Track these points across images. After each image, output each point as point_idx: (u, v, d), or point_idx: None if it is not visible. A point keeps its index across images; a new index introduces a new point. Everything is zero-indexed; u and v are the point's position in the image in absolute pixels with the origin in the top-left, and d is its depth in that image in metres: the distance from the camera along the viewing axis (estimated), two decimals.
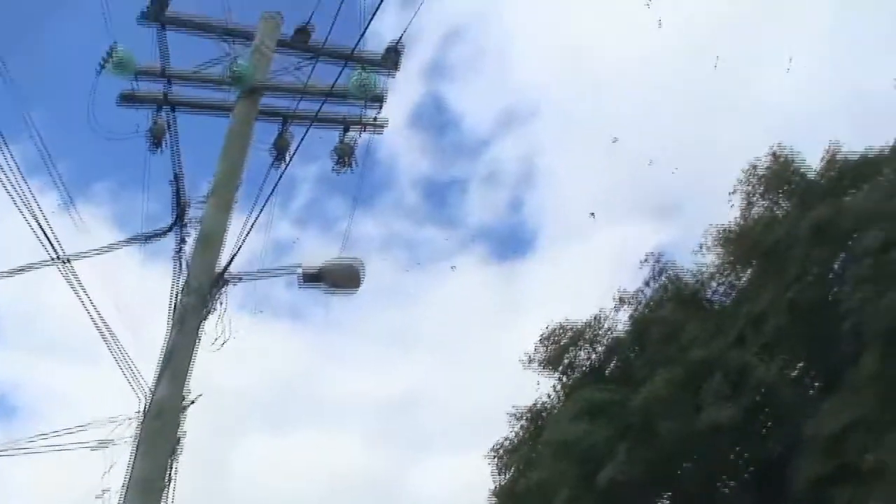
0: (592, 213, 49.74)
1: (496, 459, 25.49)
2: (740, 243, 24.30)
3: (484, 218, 65.45)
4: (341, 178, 10.79)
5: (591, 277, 54.04)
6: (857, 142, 24.03)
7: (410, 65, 10.42)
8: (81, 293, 8.59)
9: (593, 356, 25.54)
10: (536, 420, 25.50)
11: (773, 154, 24.56)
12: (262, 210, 9.46)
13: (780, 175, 24.45)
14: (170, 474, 8.14)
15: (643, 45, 56.35)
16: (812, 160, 25.00)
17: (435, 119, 56.71)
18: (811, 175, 24.51)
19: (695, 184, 49.19)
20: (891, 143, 23.97)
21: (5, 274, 8.43)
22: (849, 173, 23.82)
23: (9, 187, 7.81)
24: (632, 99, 58.00)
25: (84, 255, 8.70)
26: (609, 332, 25.65)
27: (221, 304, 8.83)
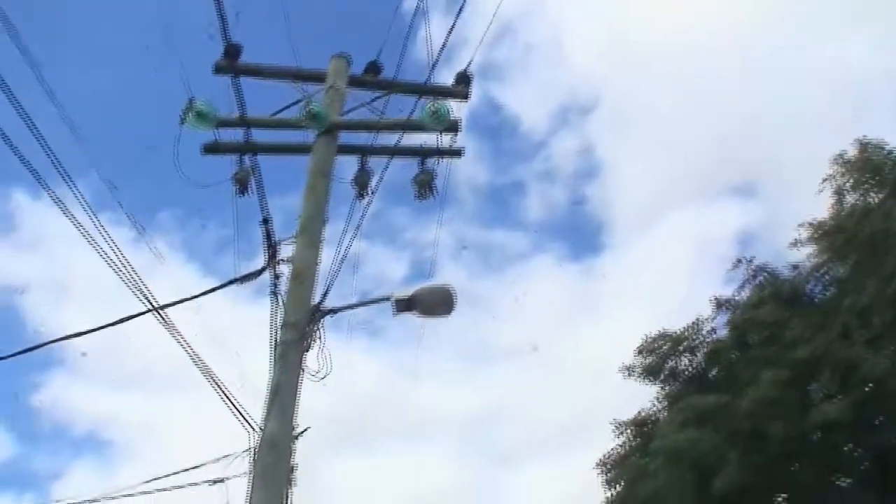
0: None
1: (604, 472, 25.32)
2: (836, 237, 23.86)
3: (551, 217, 64.44)
4: (401, 187, 10.97)
5: (670, 264, 53.17)
6: None
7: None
8: (181, 338, 8.87)
9: (694, 363, 25.33)
10: (641, 430, 25.31)
11: (861, 144, 24.10)
12: (350, 243, 9.76)
13: (869, 165, 23.98)
14: None
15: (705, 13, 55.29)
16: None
17: (490, 121, 55.74)
18: None
19: (767, 161, 48.15)
20: None
21: (107, 325, 8.73)
22: None
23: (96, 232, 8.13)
24: (693, 74, 57.05)
25: (180, 301, 8.99)
26: (709, 338, 25.39)
27: (319, 337, 9.08)
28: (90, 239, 8.08)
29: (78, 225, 8.00)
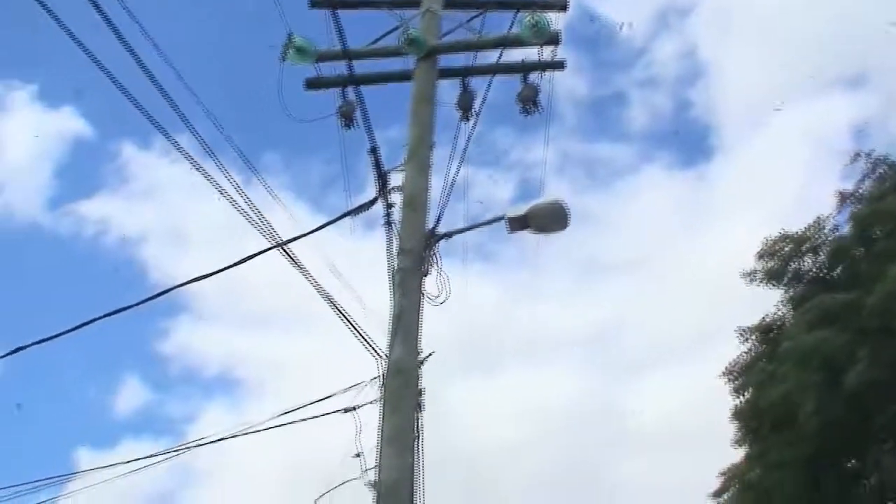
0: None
1: (731, 380, 25.06)
2: None
3: (656, 125, 62.78)
4: (504, 107, 10.89)
5: (783, 163, 51.59)
6: None
7: None
8: (307, 273, 9.00)
9: (818, 263, 24.74)
10: (767, 335, 24.91)
11: None
12: (459, 166, 9.76)
13: None
14: (417, 427, 8.53)
15: None
16: None
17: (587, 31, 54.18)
18: None
19: (877, 50, 46.08)
20: None
21: (233, 264, 8.89)
22: None
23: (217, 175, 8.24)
24: None
25: (300, 237, 9.09)
26: (831, 236, 24.72)
27: (436, 262, 9.14)
28: (212, 180, 8.19)
29: (198, 166, 8.10)
